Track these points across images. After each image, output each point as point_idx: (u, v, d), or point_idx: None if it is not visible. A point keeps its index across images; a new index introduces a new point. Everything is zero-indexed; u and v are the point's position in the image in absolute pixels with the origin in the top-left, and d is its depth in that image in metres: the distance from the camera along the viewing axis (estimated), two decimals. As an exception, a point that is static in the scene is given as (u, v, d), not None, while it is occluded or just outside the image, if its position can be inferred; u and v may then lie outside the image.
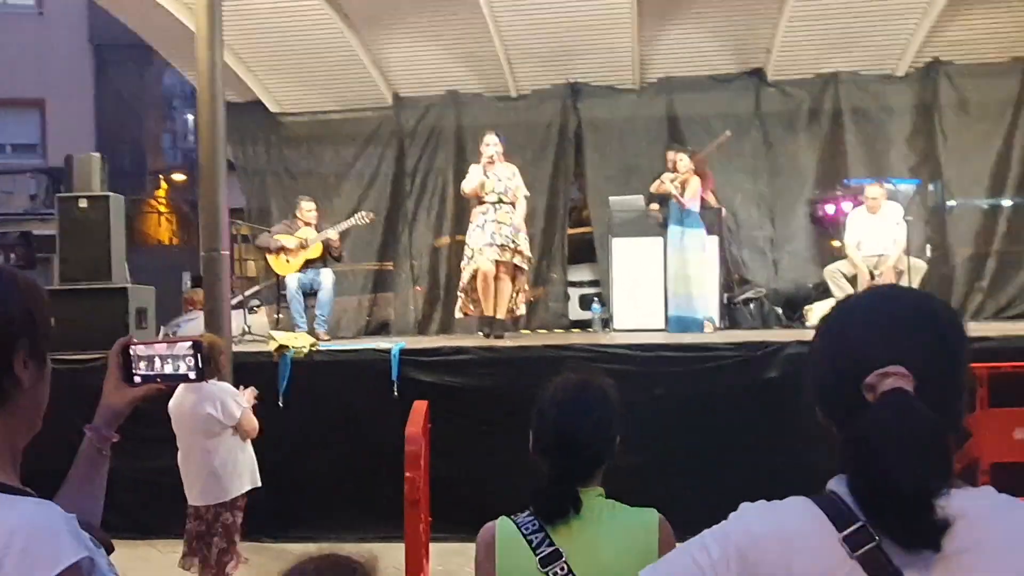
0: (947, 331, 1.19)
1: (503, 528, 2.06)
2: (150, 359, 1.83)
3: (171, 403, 4.72)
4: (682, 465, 6.20)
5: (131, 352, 1.80)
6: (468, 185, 7.77)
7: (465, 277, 7.77)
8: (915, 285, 7.95)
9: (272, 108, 10.34)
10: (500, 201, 7.63)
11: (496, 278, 7.56)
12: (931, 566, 1.07)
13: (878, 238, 8.26)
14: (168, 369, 1.84)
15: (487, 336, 7.65)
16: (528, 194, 8.02)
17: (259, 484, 4.97)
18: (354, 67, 9.72)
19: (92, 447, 1.70)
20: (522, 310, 8.12)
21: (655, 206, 8.97)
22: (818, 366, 1.25)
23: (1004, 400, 5.27)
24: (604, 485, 2.12)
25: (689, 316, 8.10)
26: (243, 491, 4.84)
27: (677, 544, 2.07)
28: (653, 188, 8.37)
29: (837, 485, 1.15)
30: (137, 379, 1.80)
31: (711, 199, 8.60)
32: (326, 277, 8.34)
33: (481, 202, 7.70)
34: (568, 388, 2.13)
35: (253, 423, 4.89)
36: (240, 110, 9.95)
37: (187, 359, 1.87)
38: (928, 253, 9.06)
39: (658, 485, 5.98)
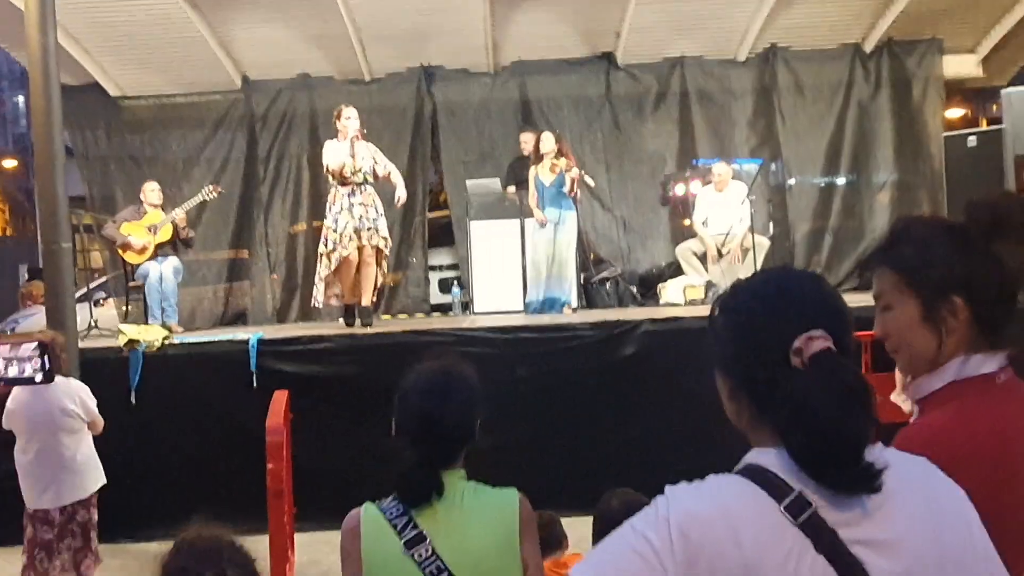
0: (840, 301, 1.30)
1: (367, 514, 2.07)
2: (-9, 361, 1.75)
3: (10, 405, 4.47)
4: (546, 443, 6.33)
5: (-30, 355, 1.72)
6: (334, 162, 7.27)
7: (331, 264, 7.29)
8: (759, 261, 8.36)
9: (112, 91, 9.87)
10: (366, 182, 7.32)
11: (363, 263, 7.29)
12: (860, 522, 1.15)
13: (725, 216, 8.60)
14: (12, 372, 1.77)
15: (352, 325, 7.41)
16: (394, 165, 7.68)
17: (104, 480, 4.84)
18: (200, 49, 9.36)
19: None
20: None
21: (511, 189, 9.08)
22: (731, 342, 1.29)
23: (881, 367, 5.62)
24: (469, 467, 2.16)
25: (557, 297, 8.19)
26: (98, 487, 4.74)
27: (535, 518, 2.14)
28: (544, 174, 8.15)
29: (759, 458, 1.21)
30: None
31: (588, 179, 8.68)
32: (167, 266, 8.02)
33: (345, 183, 7.29)
34: (430, 374, 2.15)
35: (100, 419, 4.78)
36: (77, 93, 9.47)
37: (32, 360, 1.80)
38: (771, 230, 9.51)
39: (523, 464, 6.11)
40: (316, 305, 7.69)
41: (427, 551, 1.99)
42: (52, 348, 3.87)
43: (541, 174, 8.14)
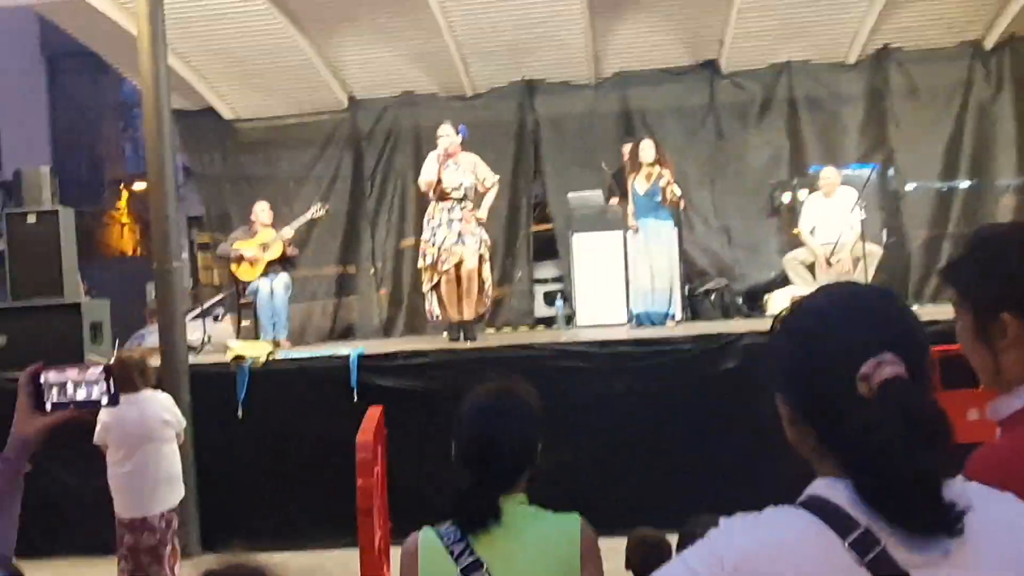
0: (913, 319, 1.20)
1: (425, 538, 2.05)
2: (61, 385, 1.81)
3: (105, 419, 4.74)
4: (643, 459, 6.23)
5: (41, 379, 1.78)
6: (423, 179, 7.48)
7: (432, 279, 7.46)
8: (871, 270, 8.02)
9: (225, 115, 10.25)
10: (465, 197, 7.43)
11: (462, 278, 7.36)
12: (938, 565, 1.06)
13: (834, 224, 8.30)
14: (81, 395, 1.82)
15: (456, 340, 7.44)
16: (499, 176, 7.85)
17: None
18: (307, 71, 9.64)
19: (3, 479, 1.68)
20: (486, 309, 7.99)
21: (614, 200, 9.00)
22: (791, 364, 1.21)
23: (954, 382, 5.33)
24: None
25: (658, 311, 8.07)
26: (182, 496, 5.06)
27: (599, 547, 2.08)
28: (640, 183, 8.06)
29: (823, 490, 1.12)
30: (48, 406, 1.78)
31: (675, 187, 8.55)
32: (279, 282, 8.28)
33: (444, 198, 7.43)
34: (488, 395, 2.13)
35: None
36: (193, 117, 9.90)
37: (99, 383, 1.85)
38: (884, 238, 9.14)
39: (619, 480, 6.03)
40: (431, 320, 7.85)
41: (485, 578, 1.96)
42: (123, 369, 4.18)
43: (637, 183, 8.05)
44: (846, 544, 1.05)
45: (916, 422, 1.07)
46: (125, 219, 22.97)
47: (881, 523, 1.06)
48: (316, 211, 8.72)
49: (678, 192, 8.27)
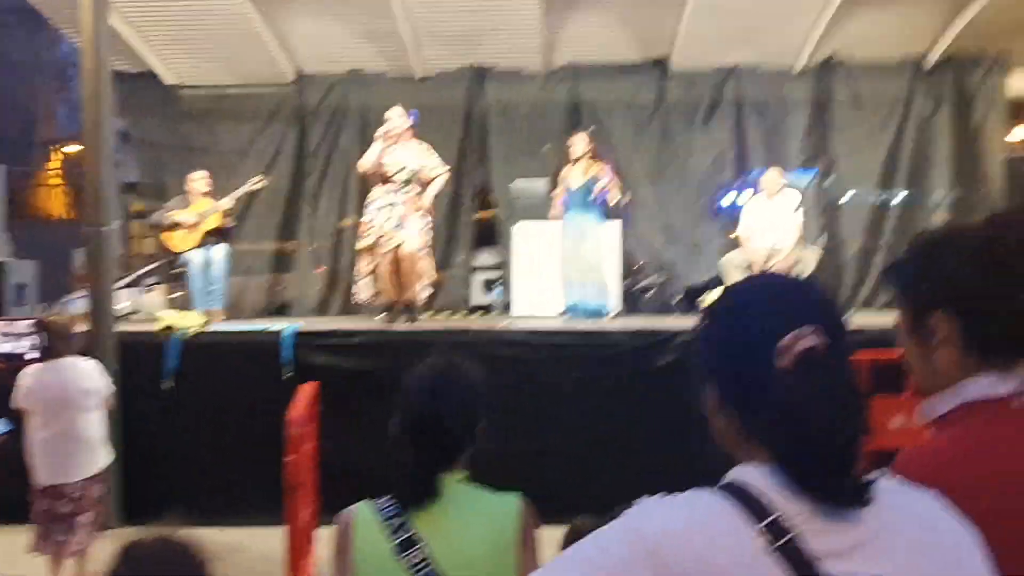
0: (833, 300, 1.23)
1: (361, 513, 2.02)
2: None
3: (28, 383, 4.61)
4: (576, 449, 6.26)
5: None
6: (362, 161, 7.49)
7: (371, 261, 7.43)
8: (807, 275, 8.17)
9: (167, 80, 10.00)
10: (409, 181, 7.39)
11: (402, 261, 7.33)
12: (849, 555, 1.07)
13: (773, 227, 8.43)
14: (7, 348, 1.76)
15: (392, 322, 7.41)
16: (448, 168, 7.83)
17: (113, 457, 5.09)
18: (255, 41, 9.43)
19: None
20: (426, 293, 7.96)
21: (556, 191, 9.00)
22: (717, 349, 1.23)
23: (884, 388, 5.45)
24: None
25: (590, 305, 8.11)
26: (108, 463, 4.97)
27: (550, 537, 2.08)
28: (575, 177, 8.14)
29: (742, 475, 1.13)
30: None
31: (616, 193, 8.59)
32: (218, 251, 8.14)
33: (387, 181, 7.38)
34: (432, 373, 2.11)
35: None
36: (134, 81, 9.62)
37: (30, 337, 1.79)
38: (822, 243, 9.31)
39: (550, 471, 6.05)
40: (357, 301, 7.79)
41: (420, 555, 1.94)
42: (47, 333, 4.11)
43: (572, 177, 8.08)
44: (758, 529, 1.06)
45: (835, 391, 1.10)
46: (56, 181, 22.32)
47: (799, 508, 1.08)
48: (256, 182, 8.59)
49: (616, 196, 8.32)
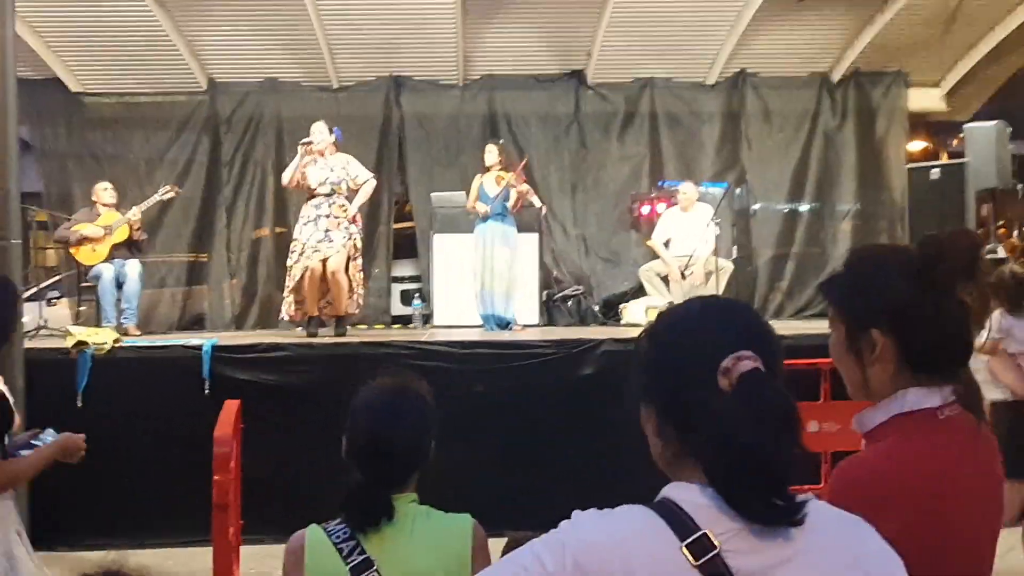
0: (767, 324, 1.27)
1: (313, 536, 1.99)
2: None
3: None
4: (503, 462, 6.26)
5: None
6: (284, 174, 7.53)
7: (295, 275, 7.40)
8: (722, 285, 8.36)
9: (72, 87, 9.67)
10: (333, 192, 7.41)
11: (328, 274, 7.30)
12: (775, 572, 1.10)
13: (689, 238, 8.60)
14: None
15: (313, 336, 7.33)
16: (372, 175, 7.88)
17: None
18: (165, 48, 9.20)
19: None
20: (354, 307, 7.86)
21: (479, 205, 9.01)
22: (657, 369, 1.25)
23: (798, 395, 5.63)
24: (419, 483, 2.09)
25: (501, 315, 8.15)
26: None
27: (490, 550, 2.07)
28: (489, 185, 8.19)
29: (673, 492, 1.16)
30: None
31: (534, 198, 8.67)
32: (132, 268, 7.90)
33: (312, 195, 7.45)
34: (383, 393, 2.09)
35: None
36: (36, 87, 9.26)
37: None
38: (734, 254, 9.54)
39: (477, 483, 6.03)
40: (283, 318, 7.74)
41: (374, 577, 1.92)
42: None
43: (486, 184, 8.15)
44: (683, 546, 1.09)
45: (772, 413, 1.13)
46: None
47: (729, 526, 1.11)
48: (165, 192, 8.37)
49: (537, 203, 8.40)
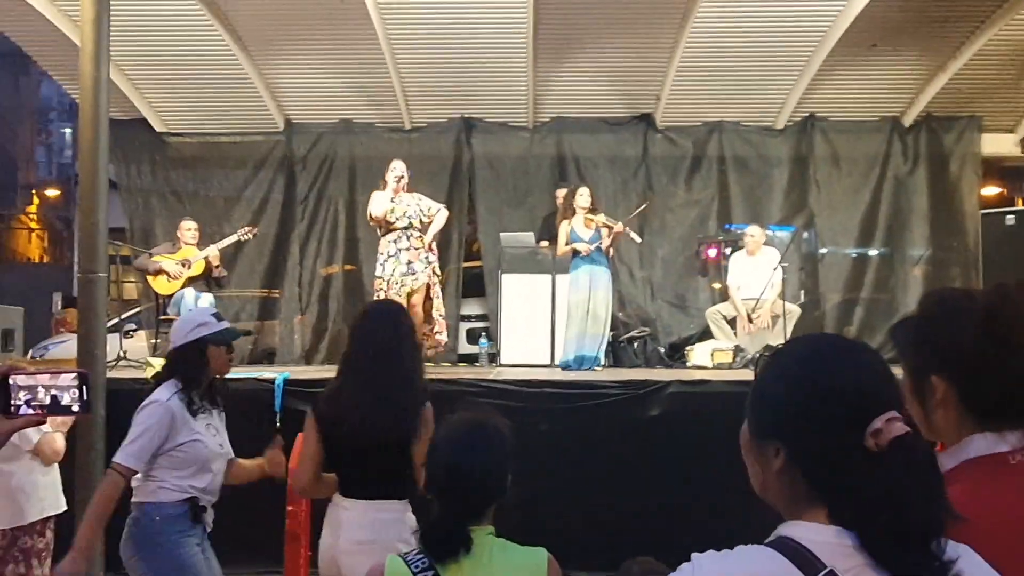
0: (893, 374, 1.27)
1: (392, 566, 2.05)
2: (31, 389, 1.78)
3: None
4: (566, 501, 6.26)
5: (10, 382, 1.74)
6: (377, 209, 7.57)
7: None
8: (790, 329, 8.30)
9: (157, 127, 10.07)
10: (410, 226, 7.54)
11: (421, 296, 7.44)
12: None
13: (757, 282, 8.56)
14: (51, 400, 1.79)
15: None
16: (444, 206, 7.96)
17: (63, 508, 4.82)
18: (245, 90, 9.56)
19: None
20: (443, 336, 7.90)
21: (545, 243, 9.09)
22: (791, 412, 1.23)
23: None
24: (502, 521, 2.14)
25: (588, 355, 8.06)
26: (43, 516, 4.71)
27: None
28: (580, 228, 8.06)
29: (792, 530, 1.17)
30: (17, 409, 1.75)
31: (633, 234, 8.60)
32: (204, 301, 8.13)
33: (391, 229, 7.56)
34: (462, 427, 2.15)
35: (55, 446, 4.71)
36: (123, 127, 9.66)
37: (71, 391, 1.82)
38: (802, 298, 9.46)
39: (542, 521, 6.04)
40: None
41: (450, 607, 1.97)
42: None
43: (576, 227, 8.07)
44: None
45: (926, 478, 1.15)
46: (34, 225, 22.19)
47: (854, 561, 1.12)
48: (243, 234, 8.61)
49: (637, 238, 8.40)
